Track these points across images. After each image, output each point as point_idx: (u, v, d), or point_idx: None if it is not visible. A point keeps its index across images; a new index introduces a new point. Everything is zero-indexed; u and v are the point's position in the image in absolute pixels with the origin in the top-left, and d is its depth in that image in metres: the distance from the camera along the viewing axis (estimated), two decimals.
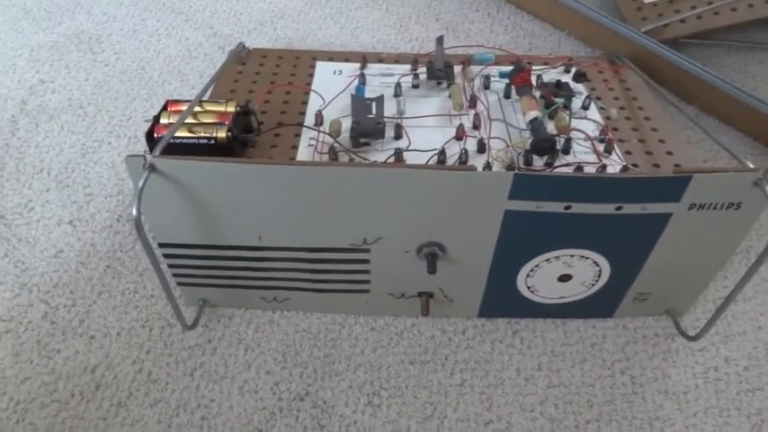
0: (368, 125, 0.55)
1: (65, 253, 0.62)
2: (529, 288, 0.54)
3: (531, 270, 0.52)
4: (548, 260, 0.51)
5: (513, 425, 0.51)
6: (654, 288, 0.54)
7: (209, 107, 0.55)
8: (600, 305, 0.56)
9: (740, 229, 0.48)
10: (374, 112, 0.56)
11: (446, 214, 0.47)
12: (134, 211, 0.43)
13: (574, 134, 0.56)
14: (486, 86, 0.63)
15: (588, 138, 0.56)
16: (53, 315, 0.58)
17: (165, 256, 0.52)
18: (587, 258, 0.50)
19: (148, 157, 0.44)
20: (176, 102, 0.56)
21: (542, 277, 0.52)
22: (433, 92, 0.64)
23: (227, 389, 0.53)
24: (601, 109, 0.61)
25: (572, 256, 0.50)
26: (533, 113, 0.57)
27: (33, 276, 0.61)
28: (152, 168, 0.44)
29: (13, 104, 0.76)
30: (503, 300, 0.56)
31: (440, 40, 0.65)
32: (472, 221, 0.47)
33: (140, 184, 0.43)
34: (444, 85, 0.64)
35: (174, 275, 0.55)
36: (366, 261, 0.52)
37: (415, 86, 0.64)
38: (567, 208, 0.46)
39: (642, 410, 0.52)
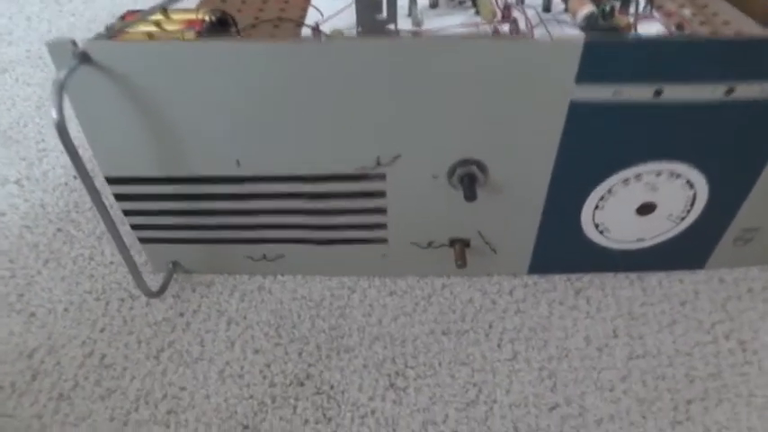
0: (376, 28, 0.43)
1: (7, 216, 0.50)
2: (597, 227, 0.41)
3: (602, 198, 0.39)
4: (625, 181, 0.38)
5: (588, 408, 0.38)
6: (764, 221, 0.41)
7: (176, 16, 0.44)
8: (688, 250, 0.43)
9: None
10: (384, 12, 0.44)
11: (488, 116, 0.34)
12: (54, 114, 0.31)
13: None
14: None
15: None
16: None
17: (118, 197, 0.40)
18: (679, 176, 0.37)
19: (80, 42, 0.32)
20: (137, 12, 0.44)
21: (616, 209, 0.39)
22: (454, 11, 0.52)
23: (202, 373, 0.40)
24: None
25: (658, 174, 0.37)
26: (587, 9, 0.44)
27: None
28: (84, 58, 0.32)
29: None
30: (561, 247, 0.43)
31: None
32: (524, 124, 0.35)
33: (62, 75, 0.31)
34: (468, 3, 0.52)
35: (134, 228, 0.42)
36: (381, 194, 0.39)
37: (434, 6, 0.52)
38: (657, 94, 0.33)
39: (763, 384, 0.39)
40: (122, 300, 0.44)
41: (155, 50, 0.33)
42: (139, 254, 0.46)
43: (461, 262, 0.41)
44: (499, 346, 0.41)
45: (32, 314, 0.44)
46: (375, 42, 0.33)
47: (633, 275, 0.45)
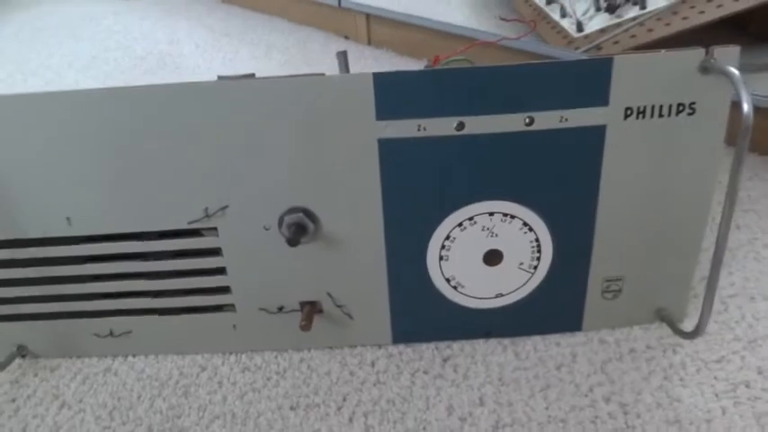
0: None
1: None
2: (449, 282, 0.39)
3: (444, 247, 0.38)
4: (460, 225, 0.37)
5: None
6: (625, 268, 0.39)
7: None
8: (557, 309, 0.40)
9: (708, 147, 0.35)
10: None
11: (304, 159, 0.35)
12: None
13: None
14: None
15: None
16: None
17: None
18: (513, 217, 0.37)
19: None
20: None
21: (462, 258, 0.38)
22: None
23: None
24: None
25: (491, 214, 0.36)
26: None
27: None
28: None
29: None
30: (420, 310, 0.40)
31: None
32: (341, 167, 0.35)
33: None
34: None
35: None
36: (216, 251, 0.38)
37: None
38: (459, 127, 0.34)
39: None
40: None
41: None
42: None
43: (305, 323, 0.38)
44: (350, 419, 0.37)
45: None
46: (156, 90, 0.33)
47: (507, 341, 0.41)
